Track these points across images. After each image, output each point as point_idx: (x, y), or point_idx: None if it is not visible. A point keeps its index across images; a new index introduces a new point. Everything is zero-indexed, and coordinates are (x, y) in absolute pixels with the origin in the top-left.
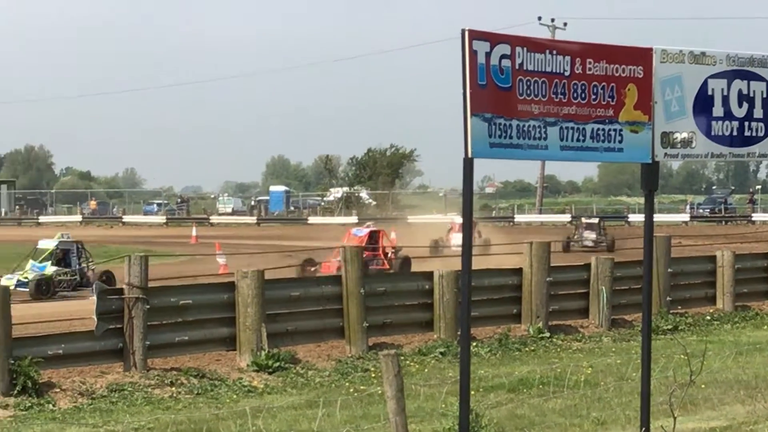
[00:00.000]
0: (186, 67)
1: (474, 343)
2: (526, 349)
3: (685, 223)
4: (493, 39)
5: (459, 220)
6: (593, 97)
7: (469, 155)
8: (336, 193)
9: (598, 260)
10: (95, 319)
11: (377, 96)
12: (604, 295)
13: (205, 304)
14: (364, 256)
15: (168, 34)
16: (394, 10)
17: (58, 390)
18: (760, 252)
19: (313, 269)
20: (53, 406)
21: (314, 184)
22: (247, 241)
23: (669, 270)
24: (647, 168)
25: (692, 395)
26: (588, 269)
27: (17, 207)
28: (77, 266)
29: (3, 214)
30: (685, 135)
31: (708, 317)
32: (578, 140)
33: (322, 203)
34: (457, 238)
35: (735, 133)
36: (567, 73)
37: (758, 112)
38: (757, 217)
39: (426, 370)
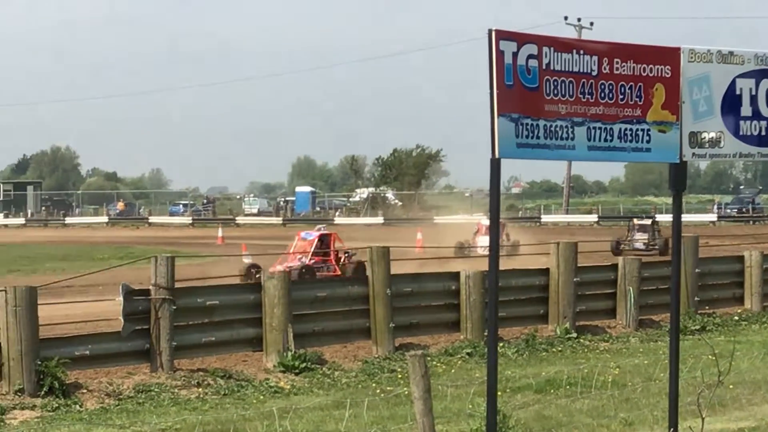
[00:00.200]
0: (213, 67)
1: (501, 344)
2: (554, 349)
3: (713, 223)
4: (520, 39)
5: (486, 221)
6: (621, 97)
7: (496, 156)
8: (362, 193)
9: (625, 260)
10: (122, 320)
11: (404, 96)
12: (632, 295)
13: (232, 304)
14: (313, 262)
15: (195, 35)
16: (420, 10)
17: (85, 391)
18: None
19: (257, 276)
20: (80, 407)
21: (340, 185)
22: (273, 241)
23: (697, 270)
24: (675, 168)
25: (720, 396)
26: (615, 269)
27: (44, 208)
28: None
29: (29, 215)
30: (713, 135)
31: (736, 317)
32: (606, 140)
33: (348, 204)
34: (483, 241)
35: (763, 132)
36: (594, 73)
37: None
38: None
39: (453, 371)
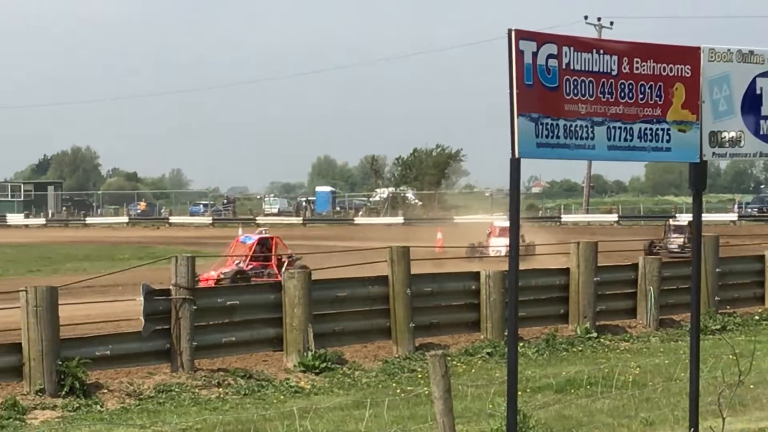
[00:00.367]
0: (232, 67)
1: (521, 344)
2: (574, 349)
3: (733, 222)
4: (540, 39)
5: (498, 222)
6: (641, 96)
7: (516, 155)
8: (382, 193)
9: (645, 260)
10: (143, 320)
11: (424, 96)
12: (652, 295)
13: (252, 304)
14: (251, 267)
15: (215, 35)
16: (440, 11)
17: (105, 391)
18: None
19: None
20: (101, 406)
21: (360, 185)
22: (293, 241)
23: (717, 270)
24: (695, 167)
25: (741, 395)
26: (635, 269)
27: (64, 208)
28: None
29: (50, 215)
30: (733, 134)
31: (756, 317)
32: (626, 140)
33: (368, 203)
34: (495, 242)
35: None
36: (614, 73)
37: None
38: None
39: (473, 371)
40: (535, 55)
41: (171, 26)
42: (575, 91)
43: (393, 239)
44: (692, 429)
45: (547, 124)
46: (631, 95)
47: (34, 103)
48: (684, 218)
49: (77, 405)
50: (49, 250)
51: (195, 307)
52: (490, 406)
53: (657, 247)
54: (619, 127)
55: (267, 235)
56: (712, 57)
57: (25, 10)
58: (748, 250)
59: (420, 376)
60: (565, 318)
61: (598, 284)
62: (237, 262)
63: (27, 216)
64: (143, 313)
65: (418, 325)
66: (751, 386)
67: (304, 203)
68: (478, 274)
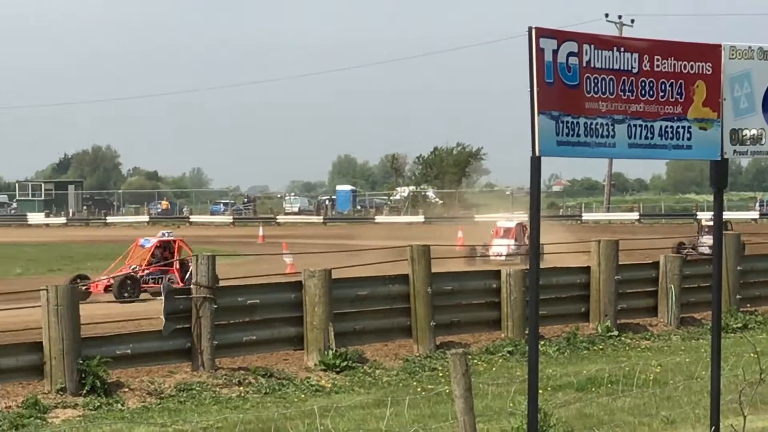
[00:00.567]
0: (253, 66)
1: (542, 342)
2: (595, 347)
3: (755, 220)
4: (560, 37)
5: (502, 223)
6: (661, 94)
7: (537, 153)
8: (402, 192)
9: (666, 258)
10: (163, 319)
11: (444, 94)
12: (673, 293)
13: (273, 303)
14: (147, 272)
15: (234, 34)
16: (460, 8)
17: (126, 390)
18: None
19: (84, 288)
20: (122, 405)
21: (381, 183)
22: (313, 240)
23: (738, 268)
24: (716, 165)
25: (762, 394)
26: (656, 267)
27: (85, 207)
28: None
29: (71, 214)
30: (754, 132)
31: None
32: (646, 138)
33: (389, 202)
34: (498, 244)
35: None
36: (635, 71)
37: None
38: None
39: (494, 369)
40: (555, 53)
41: (195, 25)
42: (596, 89)
43: (413, 238)
44: (713, 427)
45: (567, 122)
46: (651, 93)
47: (55, 101)
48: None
49: (98, 404)
50: (69, 249)
51: (216, 306)
52: (511, 404)
53: (687, 249)
54: (640, 125)
55: (169, 238)
56: (733, 54)
57: (49, 8)
58: None
59: (441, 374)
60: (586, 316)
61: (619, 282)
62: (132, 267)
63: (48, 215)
64: (164, 312)
65: (438, 324)
66: None
67: (327, 202)
68: (498, 272)
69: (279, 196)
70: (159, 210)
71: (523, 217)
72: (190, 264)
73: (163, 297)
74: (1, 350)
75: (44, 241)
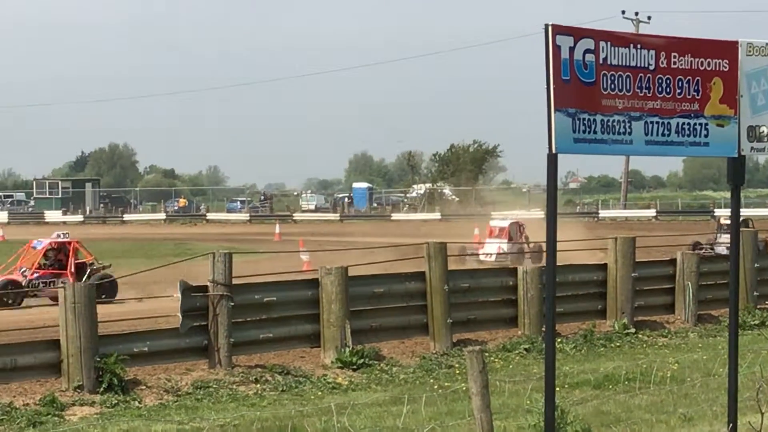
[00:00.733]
0: (269, 64)
1: (559, 339)
2: (612, 345)
3: None
4: (577, 34)
5: (494, 222)
6: (678, 91)
7: (553, 151)
8: (419, 189)
9: (683, 255)
10: (180, 317)
11: (461, 92)
12: (690, 290)
13: (289, 301)
14: (37, 276)
15: (251, 33)
16: (477, 5)
17: (143, 387)
18: None
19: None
20: (139, 403)
21: (397, 181)
22: (330, 237)
23: (756, 265)
24: (733, 162)
25: None
26: (674, 264)
27: (102, 205)
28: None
29: (88, 212)
30: None
31: None
32: (663, 135)
33: (405, 200)
34: (489, 244)
35: None
36: (652, 67)
37: None
38: None
39: (510, 367)
40: (572, 50)
41: (210, 22)
42: (612, 86)
43: (430, 235)
44: (731, 424)
45: (584, 119)
46: (668, 90)
47: (72, 100)
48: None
49: (115, 401)
50: (87, 247)
51: (232, 304)
52: (528, 401)
53: (704, 249)
54: (657, 122)
55: (64, 240)
56: (750, 51)
57: (64, 6)
58: None
59: (457, 371)
60: (602, 314)
61: (636, 280)
62: (23, 270)
63: (65, 213)
64: (181, 310)
65: (455, 321)
66: None
67: (346, 199)
68: (515, 270)
69: (295, 193)
70: (176, 207)
71: (534, 215)
72: (89, 267)
73: (179, 294)
74: (19, 348)
75: None
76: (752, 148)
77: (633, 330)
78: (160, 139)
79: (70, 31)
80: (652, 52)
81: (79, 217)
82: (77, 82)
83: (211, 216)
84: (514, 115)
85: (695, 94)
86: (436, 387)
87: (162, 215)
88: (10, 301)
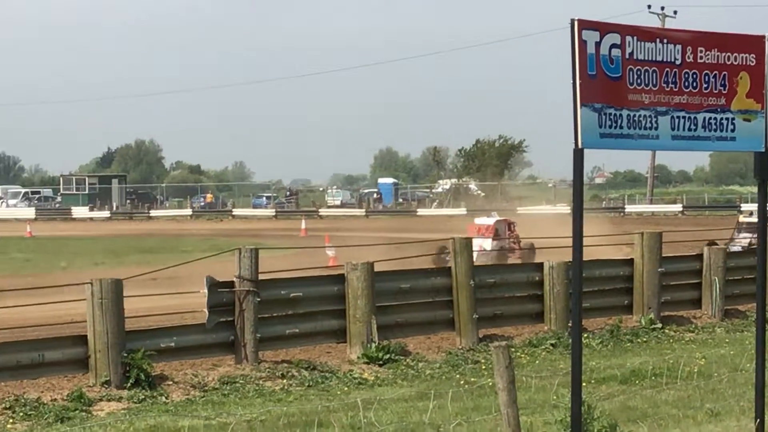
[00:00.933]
0: (294, 60)
1: (585, 335)
2: (638, 340)
3: None
4: (603, 28)
5: (479, 220)
6: (705, 85)
7: (579, 146)
8: (444, 184)
9: (710, 250)
10: (207, 312)
11: (486, 87)
12: (717, 285)
13: (315, 296)
14: None
15: (276, 28)
16: (502, 2)
17: (170, 382)
18: None
19: None
20: (166, 398)
21: (423, 176)
22: (356, 233)
23: None
24: (760, 157)
25: None
26: (700, 259)
27: (128, 201)
28: None
29: (114, 208)
30: None
31: None
32: (690, 129)
33: (431, 195)
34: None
35: None
36: (678, 62)
37: None
38: None
39: (537, 362)
40: (598, 45)
41: (235, 19)
42: (638, 81)
43: (455, 230)
44: (758, 420)
45: (610, 114)
46: (695, 84)
47: (98, 96)
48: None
49: (142, 396)
50: (113, 242)
51: (259, 299)
52: (555, 397)
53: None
54: (683, 117)
55: None
56: None
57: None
58: None
59: (484, 367)
60: (629, 309)
61: (663, 275)
62: None
63: (92, 209)
64: (207, 305)
65: (481, 317)
66: None
67: (374, 195)
68: (541, 265)
69: (321, 189)
70: (202, 203)
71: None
72: None
73: (206, 290)
74: (46, 343)
75: (88, 234)
76: None
77: (660, 325)
78: (186, 135)
79: (96, 31)
80: (679, 46)
81: (106, 213)
82: (104, 80)
83: (237, 212)
84: (541, 110)
85: (722, 88)
86: (462, 382)
87: (188, 211)
88: None
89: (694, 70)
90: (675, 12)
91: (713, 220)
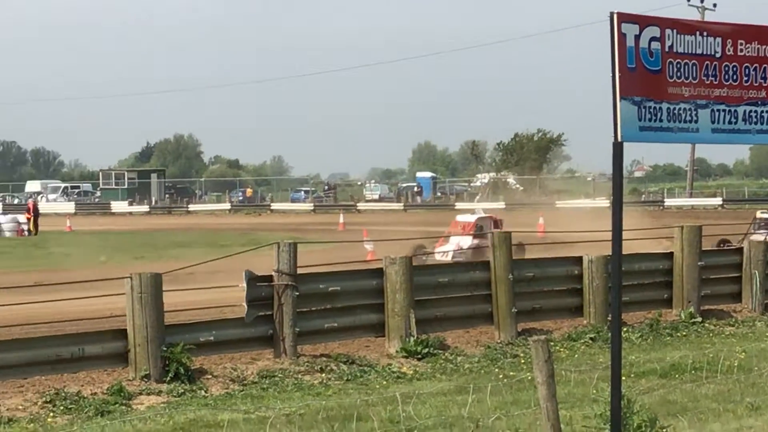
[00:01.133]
0: (332, 54)
1: (624, 329)
2: (678, 334)
3: None
4: (642, 21)
5: (462, 217)
6: (745, 78)
7: (619, 139)
8: (483, 178)
9: (750, 244)
10: (245, 306)
11: (524, 80)
12: (757, 279)
13: (354, 290)
14: None
15: (314, 22)
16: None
17: (209, 376)
18: None
19: None
20: (205, 392)
21: (461, 170)
22: (394, 227)
23: None
24: None
25: None
26: (740, 253)
27: (167, 195)
28: None
29: (153, 202)
30: None
31: None
32: (730, 122)
33: (469, 189)
34: (451, 242)
35: None
36: (718, 55)
37: None
38: None
39: (576, 356)
40: (637, 38)
41: (271, 13)
42: (678, 74)
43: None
44: None
45: (650, 107)
46: (735, 77)
47: (137, 91)
48: None
49: (182, 390)
50: (152, 237)
51: (297, 293)
52: (594, 391)
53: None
54: (723, 110)
55: None
56: None
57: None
58: None
59: (522, 361)
60: (668, 303)
61: (703, 268)
62: None
63: (131, 203)
64: (246, 300)
65: (520, 311)
66: None
67: (416, 188)
68: (580, 258)
69: (359, 183)
70: (241, 197)
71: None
72: None
73: (245, 284)
74: (86, 338)
75: (128, 229)
76: None
77: (699, 319)
78: (224, 129)
79: (135, 22)
80: (719, 39)
81: (145, 208)
82: (143, 74)
83: (275, 206)
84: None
85: (762, 81)
86: (501, 376)
87: (227, 205)
88: None
89: (734, 63)
90: (714, 5)
91: (753, 214)
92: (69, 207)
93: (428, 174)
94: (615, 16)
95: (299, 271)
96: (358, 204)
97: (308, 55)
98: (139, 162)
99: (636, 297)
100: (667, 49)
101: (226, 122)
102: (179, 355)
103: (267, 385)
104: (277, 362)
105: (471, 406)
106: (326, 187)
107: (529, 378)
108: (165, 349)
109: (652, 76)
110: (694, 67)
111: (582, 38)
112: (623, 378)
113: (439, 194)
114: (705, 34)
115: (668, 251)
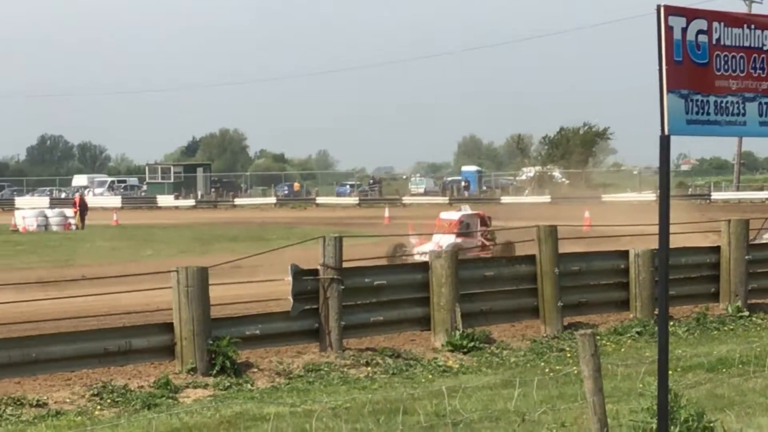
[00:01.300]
0: (377, 47)
1: (671, 323)
2: (725, 328)
3: None
4: (689, 14)
5: (446, 215)
6: None
7: (666, 132)
8: (528, 172)
9: None
10: (291, 300)
11: (570, 74)
12: None
13: (399, 284)
14: None
15: (359, 15)
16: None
17: (255, 370)
18: None
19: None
20: (251, 385)
21: (506, 164)
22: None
23: None
24: None
25: None
26: None
27: (213, 190)
28: None
29: (199, 196)
30: None
31: None
32: None
33: (515, 182)
34: (433, 240)
35: None
36: (766, 48)
37: None
38: None
39: (622, 350)
40: (684, 31)
41: (320, 6)
42: (726, 67)
43: (539, 218)
44: None
45: (697, 100)
46: None
47: (183, 85)
48: None
49: (228, 384)
50: (198, 231)
51: (343, 287)
52: (641, 385)
53: None
54: None
55: None
56: None
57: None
58: None
59: (569, 355)
60: (715, 297)
61: (750, 262)
62: None
63: (177, 197)
64: (292, 293)
65: (566, 304)
66: None
67: (463, 183)
68: (626, 252)
69: (404, 177)
70: (287, 191)
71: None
72: None
73: (290, 278)
74: (133, 331)
75: (174, 223)
76: None
77: (747, 313)
78: (270, 123)
79: (181, 15)
80: (767, 32)
81: (191, 202)
82: (189, 69)
83: (320, 200)
84: (625, 97)
85: None
86: (547, 370)
87: (272, 199)
88: None
89: None
90: None
91: None
92: (115, 201)
93: (474, 168)
94: (662, 9)
95: (345, 264)
96: (403, 198)
97: (353, 47)
98: (184, 156)
99: (682, 291)
100: (714, 42)
101: (271, 116)
102: (225, 348)
103: (313, 378)
104: (322, 356)
105: (517, 400)
106: (371, 181)
107: (575, 372)
108: (211, 342)
109: (699, 69)
110: (742, 60)
111: (629, 31)
112: (670, 372)
113: (484, 188)
114: (753, 26)
115: (715, 245)
